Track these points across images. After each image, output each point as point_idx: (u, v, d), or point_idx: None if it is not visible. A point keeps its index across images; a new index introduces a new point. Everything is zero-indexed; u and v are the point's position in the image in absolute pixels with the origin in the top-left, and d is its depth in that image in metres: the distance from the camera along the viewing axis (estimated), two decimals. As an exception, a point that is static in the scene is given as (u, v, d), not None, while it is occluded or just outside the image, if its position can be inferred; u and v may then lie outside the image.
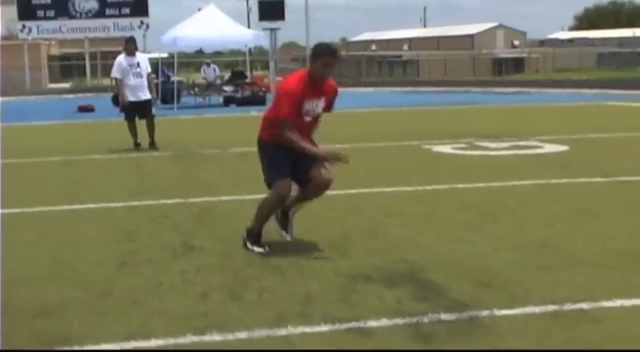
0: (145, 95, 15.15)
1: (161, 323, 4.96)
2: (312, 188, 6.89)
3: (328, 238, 7.14)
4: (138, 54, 15.48)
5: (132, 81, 15.00)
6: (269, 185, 6.84)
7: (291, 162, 6.76)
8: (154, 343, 4.62)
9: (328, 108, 6.98)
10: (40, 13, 50.17)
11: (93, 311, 5.26)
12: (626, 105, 26.42)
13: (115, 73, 15.25)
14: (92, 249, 7.12)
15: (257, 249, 6.65)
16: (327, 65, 6.59)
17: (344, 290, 5.46)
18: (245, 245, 6.76)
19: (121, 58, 15.16)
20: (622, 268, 6.01)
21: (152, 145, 15.08)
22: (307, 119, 6.76)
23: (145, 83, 15.16)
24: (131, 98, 14.98)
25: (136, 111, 15.11)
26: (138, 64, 15.08)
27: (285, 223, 7.07)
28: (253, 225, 6.80)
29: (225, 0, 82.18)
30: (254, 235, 6.78)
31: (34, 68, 55.93)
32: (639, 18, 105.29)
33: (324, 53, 6.62)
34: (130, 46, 15.30)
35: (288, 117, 6.56)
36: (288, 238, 6.98)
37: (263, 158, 6.94)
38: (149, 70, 15.46)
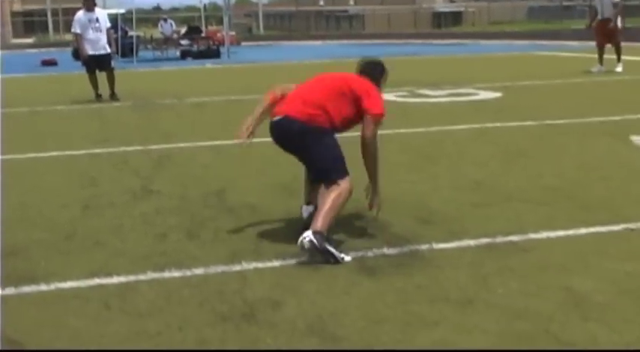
0: (105, 49, 14.91)
1: (123, 262, 4.93)
2: None
3: (279, 181, 7.13)
4: (97, 9, 15.19)
5: (91, 35, 14.75)
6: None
7: None
8: (115, 280, 4.60)
9: None
10: (3, -29, 49.03)
11: (58, 251, 5.22)
12: (554, 54, 26.69)
13: (74, 28, 14.97)
14: (57, 194, 7.05)
15: (347, 258, 4.84)
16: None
17: (294, 229, 5.47)
18: (325, 251, 4.79)
19: (81, 14, 14.88)
20: (549, 203, 6.10)
21: (112, 96, 14.90)
22: None
23: (104, 37, 14.92)
24: (91, 52, 14.75)
25: (96, 64, 14.88)
26: (97, 19, 14.82)
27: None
28: (325, 228, 4.91)
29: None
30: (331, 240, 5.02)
31: (-2, 24, 54.80)
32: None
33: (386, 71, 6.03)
34: (89, 3, 14.99)
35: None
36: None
37: (328, 148, 5.41)
38: (108, 24, 15.21)
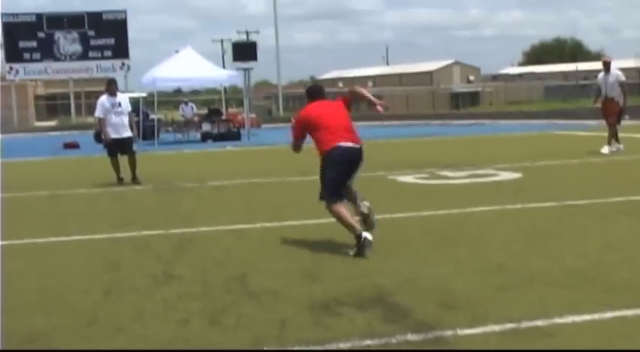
0: (127, 132, 15.12)
1: (144, 349, 4.90)
2: None
3: (301, 265, 7.11)
4: (119, 94, 15.45)
5: (114, 119, 14.98)
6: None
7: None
8: (138, 368, 4.56)
9: None
10: (27, 55, 50.06)
11: (79, 338, 5.19)
12: (571, 134, 26.72)
13: (98, 112, 15.21)
14: (78, 278, 7.05)
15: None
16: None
17: (317, 314, 5.43)
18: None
19: (104, 99, 15.13)
20: (572, 286, 6.04)
21: (134, 179, 15.02)
22: None
23: (126, 121, 15.14)
24: (113, 135, 14.95)
25: (118, 147, 15.07)
26: (119, 104, 15.07)
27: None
28: None
29: (201, 42, 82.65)
30: None
31: (22, 107, 55.71)
32: (580, 53, 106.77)
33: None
34: (112, 87, 15.28)
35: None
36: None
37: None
38: (129, 108, 15.43)
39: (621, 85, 17.80)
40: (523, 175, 13.99)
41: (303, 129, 8.16)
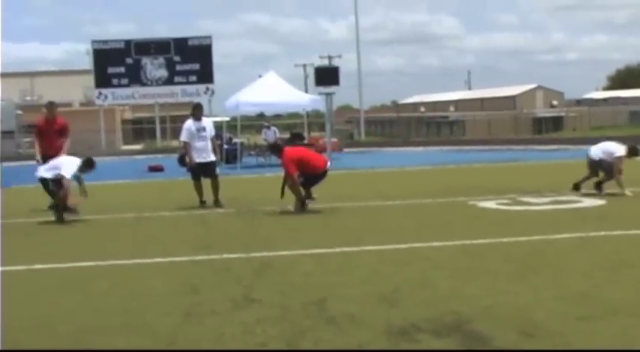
0: (210, 157, 15.34)
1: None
2: None
3: (380, 290, 7.08)
4: (204, 119, 15.71)
5: (198, 144, 15.22)
6: None
7: None
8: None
9: None
10: (115, 81, 51.16)
11: (160, 360, 5.26)
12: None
13: (183, 136, 15.47)
14: (159, 300, 7.14)
15: None
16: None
17: (394, 339, 5.40)
18: None
19: (189, 123, 15.40)
20: (659, 318, 5.88)
21: (216, 203, 15.18)
22: None
23: (210, 146, 15.36)
24: (197, 159, 15.19)
25: (202, 171, 15.29)
26: (204, 128, 15.31)
27: None
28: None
29: (284, 67, 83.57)
30: None
31: (109, 131, 56.83)
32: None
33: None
34: (198, 112, 15.57)
35: None
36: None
37: None
38: (213, 133, 15.66)
39: None
40: (607, 202, 13.72)
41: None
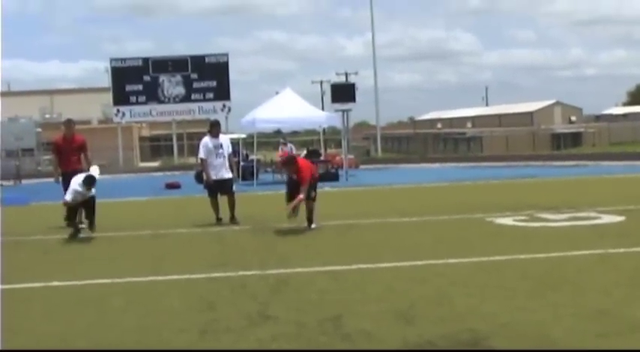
0: (227, 174, 15.36)
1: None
2: None
3: (396, 307, 7.05)
4: (221, 136, 15.75)
5: (215, 161, 15.26)
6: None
7: None
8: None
9: None
10: (133, 98, 51.49)
11: (175, 378, 5.25)
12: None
13: (201, 153, 15.49)
14: (176, 317, 7.13)
15: None
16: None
17: (410, 357, 5.38)
18: None
19: (207, 140, 15.44)
20: (679, 336, 5.82)
21: (233, 220, 15.17)
22: None
23: (227, 163, 15.39)
24: (214, 177, 15.22)
25: (219, 188, 15.31)
26: (221, 146, 15.34)
27: None
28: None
29: (300, 84, 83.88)
30: None
31: (127, 148, 57.13)
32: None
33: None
34: (215, 129, 15.60)
35: None
36: None
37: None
38: (230, 150, 15.69)
39: None
40: (627, 219, 13.62)
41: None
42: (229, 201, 15.29)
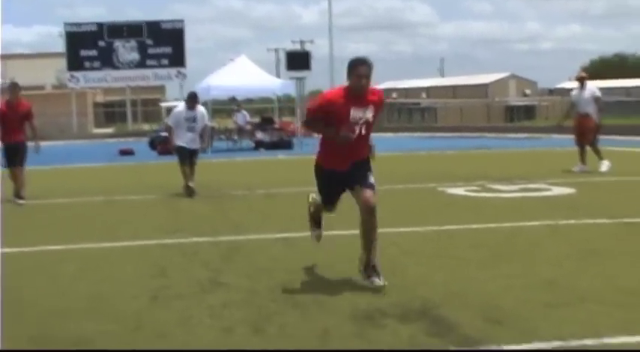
0: (195, 145, 14.84)
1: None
2: (361, 215, 7.07)
3: (347, 275, 7.06)
4: (198, 107, 14.95)
5: (184, 134, 14.63)
6: None
7: (335, 184, 7.49)
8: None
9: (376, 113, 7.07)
10: (87, 64, 50.92)
11: (124, 343, 5.22)
12: (630, 150, 26.19)
13: (170, 120, 15.05)
14: (127, 284, 7.08)
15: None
16: (361, 75, 6.72)
17: (360, 325, 5.38)
18: None
19: (181, 108, 14.92)
20: (626, 306, 5.89)
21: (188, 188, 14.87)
22: (358, 127, 6.92)
23: (197, 137, 14.83)
24: (182, 143, 14.72)
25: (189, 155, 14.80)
26: (194, 119, 14.71)
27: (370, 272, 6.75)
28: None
29: (256, 51, 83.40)
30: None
31: (81, 114, 56.54)
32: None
33: (356, 64, 6.77)
34: (191, 102, 14.85)
35: (310, 111, 7.18)
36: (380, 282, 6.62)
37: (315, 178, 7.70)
38: (205, 123, 15.08)
39: (596, 100, 17.46)
40: (577, 191, 13.75)
41: None
42: (190, 170, 14.88)
